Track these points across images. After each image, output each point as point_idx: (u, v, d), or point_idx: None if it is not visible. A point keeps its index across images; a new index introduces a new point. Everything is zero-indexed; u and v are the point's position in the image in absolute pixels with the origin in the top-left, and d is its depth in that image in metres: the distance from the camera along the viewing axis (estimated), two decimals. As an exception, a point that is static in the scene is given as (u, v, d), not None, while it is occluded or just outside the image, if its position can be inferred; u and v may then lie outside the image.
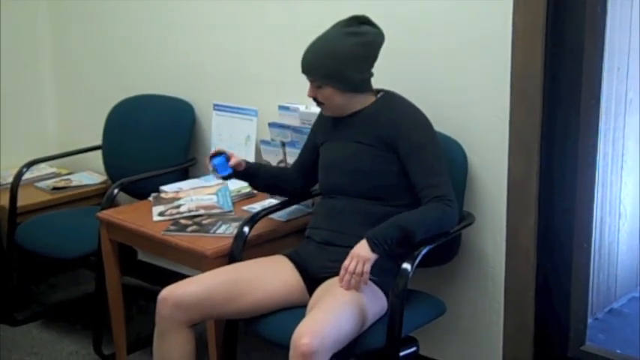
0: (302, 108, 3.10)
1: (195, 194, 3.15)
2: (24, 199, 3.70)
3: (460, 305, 2.89)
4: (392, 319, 2.32)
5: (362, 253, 2.36)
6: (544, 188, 2.63)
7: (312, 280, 2.55)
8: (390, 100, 2.63)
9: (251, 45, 3.39)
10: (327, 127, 2.72)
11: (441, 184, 2.46)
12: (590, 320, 3.11)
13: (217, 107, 3.42)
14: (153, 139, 3.66)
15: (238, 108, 3.34)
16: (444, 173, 2.50)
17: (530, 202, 2.64)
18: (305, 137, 2.89)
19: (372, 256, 2.35)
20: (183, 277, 2.62)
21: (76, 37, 4.17)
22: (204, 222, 2.91)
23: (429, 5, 2.78)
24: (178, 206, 3.05)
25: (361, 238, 2.39)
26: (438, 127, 2.74)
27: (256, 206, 2.98)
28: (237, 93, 3.44)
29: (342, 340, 2.26)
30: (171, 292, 2.47)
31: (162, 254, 2.98)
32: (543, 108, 2.56)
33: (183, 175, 3.54)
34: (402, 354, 2.40)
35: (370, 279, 2.39)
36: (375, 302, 2.41)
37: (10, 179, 3.67)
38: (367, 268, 2.35)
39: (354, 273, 2.34)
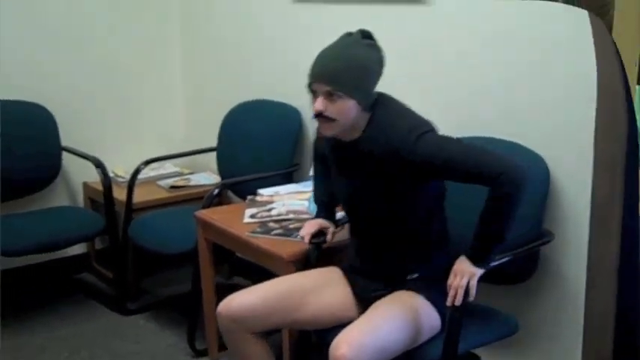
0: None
1: (288, 199, 3.21)
2: (142, 196, 3.91)
3: (537, 326, 2.79)
4: (449, 332, 2.28)
5: (466, 268, 2.29)
6: (628, 210, 2.48)
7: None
8: (380, 122, 2.36)
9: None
10: (330, 156, 2.57)
11: (482, 166, 2.22)
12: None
13: (317, 114, 3.45)
14: (262, 143, 3.75)
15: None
16: (476, 155, 2.25)
17: (613, 224, 2.49)
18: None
19: (478, 271, 2.28)
20: (275, 276, 2.63)
21: (202, 42, 4.36)
22: (290, 226, 2.97)
23: (512, 18, 2.72)
24: (270, 210, 3.13)
25: (393, 263, 2.46)
26: (521, 140, 2.67)
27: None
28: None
29: (386, 350, 2.23)
30: (225, 306, 2.46)
31: (248, 255, 3.07)
32: (630, 122, 2.42)
33: (288, 179, 3.61)
34: (459, 369, 2.35)
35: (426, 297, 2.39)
36: (431, 316, 2.37)
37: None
38: (473, 282, 2.27)
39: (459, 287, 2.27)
